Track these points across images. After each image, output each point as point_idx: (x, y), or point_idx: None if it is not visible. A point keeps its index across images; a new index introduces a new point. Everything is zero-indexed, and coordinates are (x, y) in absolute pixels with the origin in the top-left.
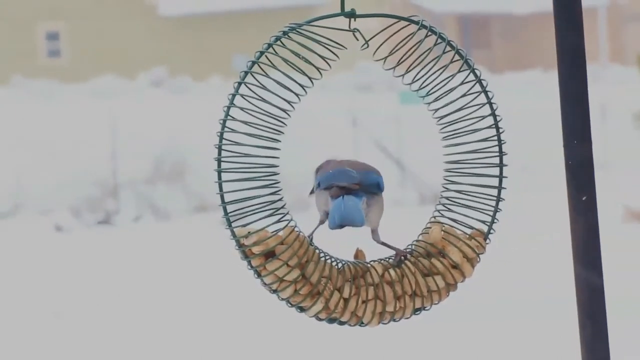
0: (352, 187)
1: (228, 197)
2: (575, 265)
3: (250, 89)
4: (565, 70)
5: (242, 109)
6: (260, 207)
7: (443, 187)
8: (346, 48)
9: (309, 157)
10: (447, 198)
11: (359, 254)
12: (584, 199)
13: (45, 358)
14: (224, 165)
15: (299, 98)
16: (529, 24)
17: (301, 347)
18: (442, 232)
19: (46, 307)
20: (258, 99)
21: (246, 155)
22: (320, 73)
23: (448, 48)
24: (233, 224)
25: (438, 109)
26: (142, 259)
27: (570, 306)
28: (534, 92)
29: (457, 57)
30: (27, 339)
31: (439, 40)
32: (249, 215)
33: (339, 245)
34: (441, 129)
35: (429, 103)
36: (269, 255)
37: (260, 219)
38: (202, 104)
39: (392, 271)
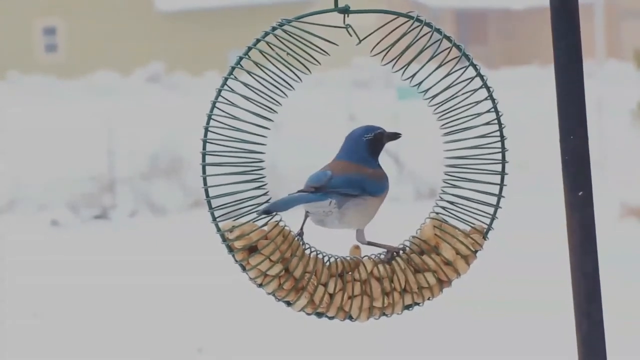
0: (307, 190)
1: (215, 192)
2: (572, 261)
3: (241, 82)
4: (562, 65)
5: (230, 103)
6: (245, 202)
7: (444, 182)
8: (337, 44)
9: (306, 154)
10: (447, 194)
11: (354, 252)
12: (580, 194)
13: (40, 353)
14: (211, 160)
15: (285, 94)
16: (525, 20)
17: (294, 341)
18: (436, 229)
19: (42, 302)
20: (244, 96)
21: (232, 149)
22: (308, 69)
23: (446, 43)
24: (220, 219)
25: (438, 104)
26: (139, 254)
27: (566, 303)
28: (530, 88)
29: (454, 52)
30: (22, 335)
31: (437, 36)
32: (235, 210)
33: (338, 243)
34: (442, 125)
35: (430, 98)
36: (253, 249)
37: (242, 215)
38: (199, 99)
39: (381, 267)
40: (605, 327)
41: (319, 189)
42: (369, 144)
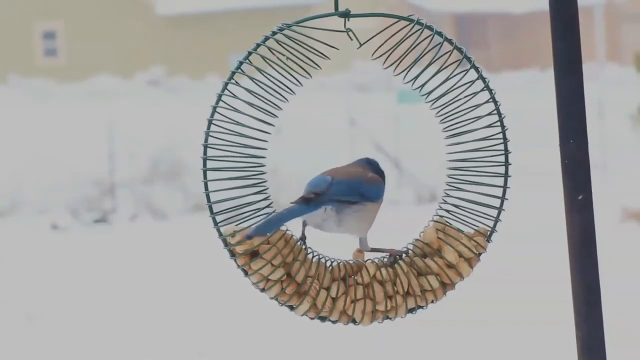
0: (308, 196)
1: (216, 197)
2: (571, 265)
3: (242, 87)
4: (561, 69)
5: (231, 108)
6: (246, 207)
7: (447, 185)
8: (338, 49)
9: (307, 157)
10: (450, 196)
11: (357, 256)
12: (579, 198)
13: (40, 357)
14: (212, 165)
15: (286, 99)
16: (526, 23)
17: (297, 346)
18: (439, 232)
19: (43, 305)
20: (245, 100)
21: (233, 154)
22: (309, 74)
23: (447, 46)
24: (221, 224)
25: (440, 107)
26: (139, 258)
27: (566, 306)
28: (531, 92)
29: (455, 55)
30: (22, 338)
31: (438, 39)
32: (236, 215)
33: (341, 246)
34: (444, 128)
35: (432, 101)
36: (254, 254)
37: (244, 219)
38: (200, 103)
39: (384, 270)
40: (605, 331)
41: (318, 196)
42: (377, 166)
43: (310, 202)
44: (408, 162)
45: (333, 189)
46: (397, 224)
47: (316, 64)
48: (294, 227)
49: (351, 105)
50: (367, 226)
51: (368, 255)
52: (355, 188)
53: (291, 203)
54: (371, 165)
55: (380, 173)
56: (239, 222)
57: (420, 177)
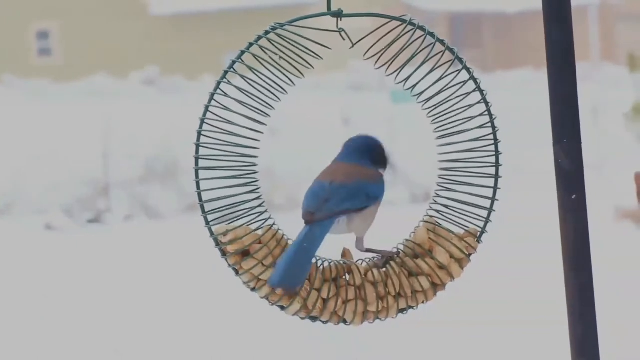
0: (309, 217)
1: (208, 196)
2: (565, 265)
3: (234, 86)
4: (555, 69)
5: (223, 107)
6: (238, 206)
7: (437, 185)
8: (330, 48)
9: (301, 157)
10: (441, 197)
11: (346, 254)
12: (573, 198)
13: (35, 357)
14: (204, 164)
15: (278, 98)
16: (520, 23)
17: (288, 345)
18: (430, 233)
19: (36, 305)
20: (237, 100)
21: (225, 153)
22: (301, 73)
23: (440, 47)
24: (213, 222)
25: (432, 107)
26: (134, 258)
27: (560, 306)
28: (525, 91)
29: (448, 56)
30: (15, 338)
31: (430, 39)
32: (228, 214)
33: (331, 246)
34: (435, 128)
35: (423, 102)
36: (246, 253)
37: (235, 219)
38: (195, 103)
39: (375, 271)
40: (599, 331)
41: (319, 210)
42: (374, 149)
43: (318, 221)
44: (402, 161)
45: (334, 200)
46: (392, 223)
47: (309, 64)
48: (287, 227)
49: (346, 105)
50: (368, 227)
51: (359, 256)
52: (361, 190)
53: (288, 254)
54: (370, 152)
55: (382, 158)
56: (231, 221)
57: (414, 176)
